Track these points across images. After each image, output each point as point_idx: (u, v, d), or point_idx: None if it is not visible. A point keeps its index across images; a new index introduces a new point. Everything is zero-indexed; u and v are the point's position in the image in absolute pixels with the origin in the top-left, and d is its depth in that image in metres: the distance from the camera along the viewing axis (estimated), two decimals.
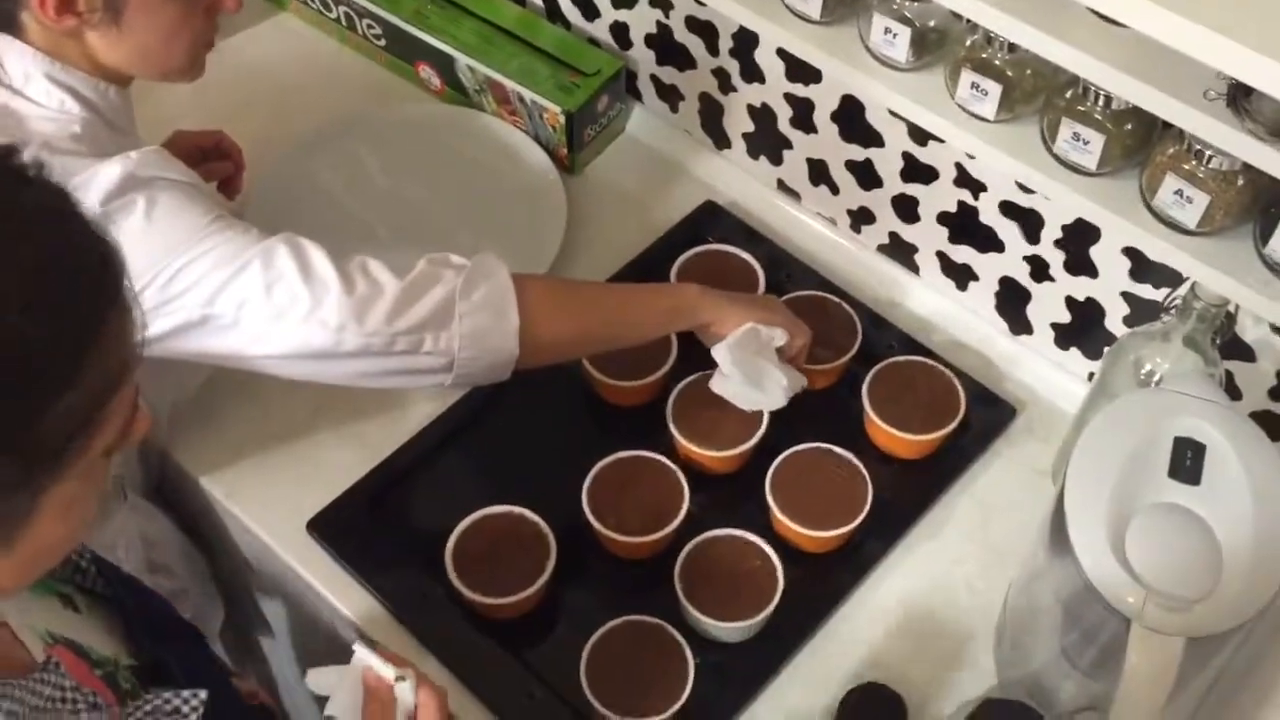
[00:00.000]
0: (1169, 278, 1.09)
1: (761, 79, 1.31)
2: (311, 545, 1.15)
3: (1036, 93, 1.00)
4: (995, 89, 0.99)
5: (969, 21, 0.98)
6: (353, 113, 1.46)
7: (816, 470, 1.14)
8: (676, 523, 1.11)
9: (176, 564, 1.27)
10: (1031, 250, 1.20)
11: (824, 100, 1.27)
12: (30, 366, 0.58)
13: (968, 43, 1.00)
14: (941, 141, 1.18)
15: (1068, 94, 0.97)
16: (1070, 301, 1.20)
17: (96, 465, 0.64)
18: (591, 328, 1.10)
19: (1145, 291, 1.13)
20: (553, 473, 1.14)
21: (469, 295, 1.00)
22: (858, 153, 1.28)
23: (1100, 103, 0.95)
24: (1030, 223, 1.18)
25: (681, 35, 1.35)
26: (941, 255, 1.29)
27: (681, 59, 1.38)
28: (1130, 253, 1.12)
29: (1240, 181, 0.91)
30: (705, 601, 1.07)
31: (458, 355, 1.01)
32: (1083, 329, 1.21)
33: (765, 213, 1.39)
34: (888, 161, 1.26)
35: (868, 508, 1.12)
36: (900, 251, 1.32)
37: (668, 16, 1.35)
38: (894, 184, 1.27)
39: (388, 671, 0.84)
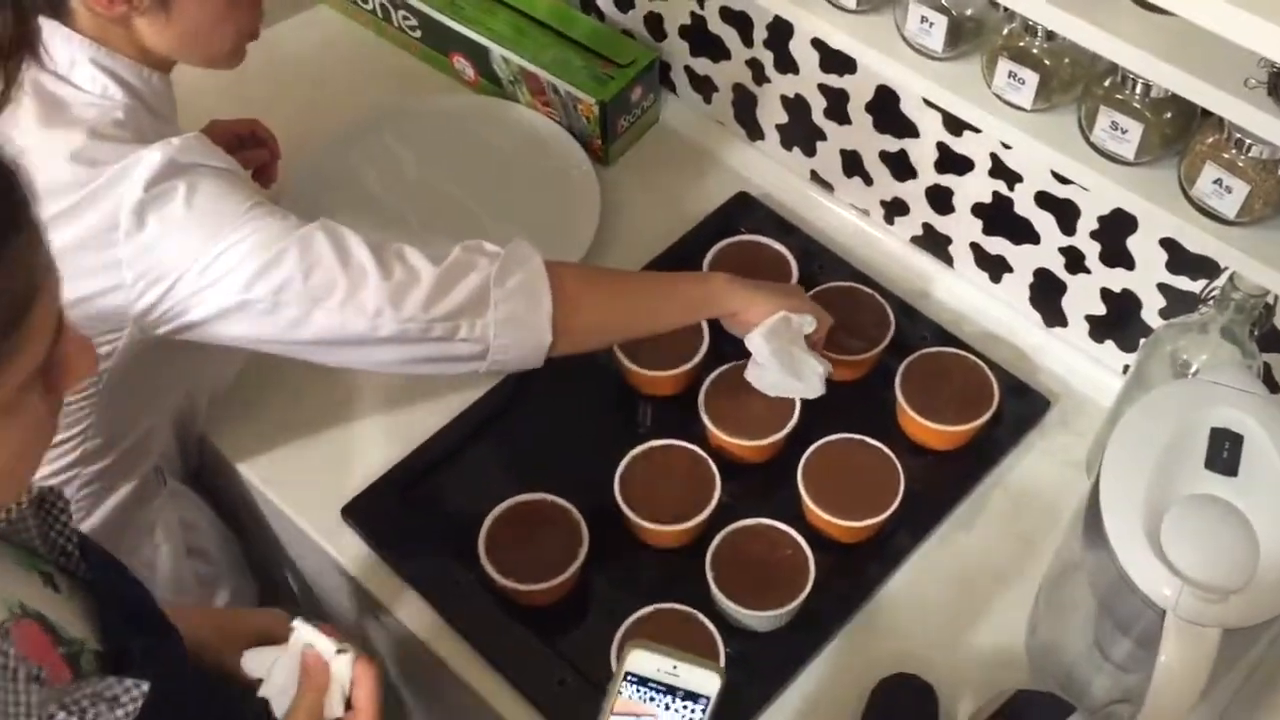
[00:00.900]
0: (1207, 269, 1.09)
1: (796, 70, 1.31)
2: (346, 531, 1.16)
3: (1074, 81, 0.99)
4: (1033, 78, 0.98)
5: (1006, 10, 0.98)
6: (387, 103, 1.47)
7: (848, 460, 1.14)
8: (708, 511, 1.11)
9: (213, 549, 1.28)
10: (1067, 241, 1.19)
11: (859, 91, 1.26)
12: None
13: (1005, 31, 1.00)
14: (977, 132, 1.17)
15: (1106, 82, 0.96)
16: (1106, 293, 1.20)
17: (23, 400, 0.62)
18: (623, 315, 1.10)
19: (1182, 283, 1.12)
20: (585, 461, 1.15)
21: (504, 282, 1.01)
22: (892, 144, 1.27)
23: (1139, 91, 0.94)
24: (1066, 214, 1.17)
25: (716, 26, 1.35)
26: (975, 247, 1.28)
27: (715, 50, 1.38)
28: (1167, 244, 1.11)
29: None
30: (737, 590, 1.07)
31: (493, 342, 1.01)
32: (1118, 321, 1.21)
33: (798, 204, 1.38)
34: (922, 152, 1.25)
35: (900, 498, 1.11)
36: (934, 243, 1.32)
37: (702, 7, 1.35)
38: (928, 175, 1.26)
39: (328, 646, 0.84)
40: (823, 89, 1.30)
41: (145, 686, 0.69)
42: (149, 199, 0.95)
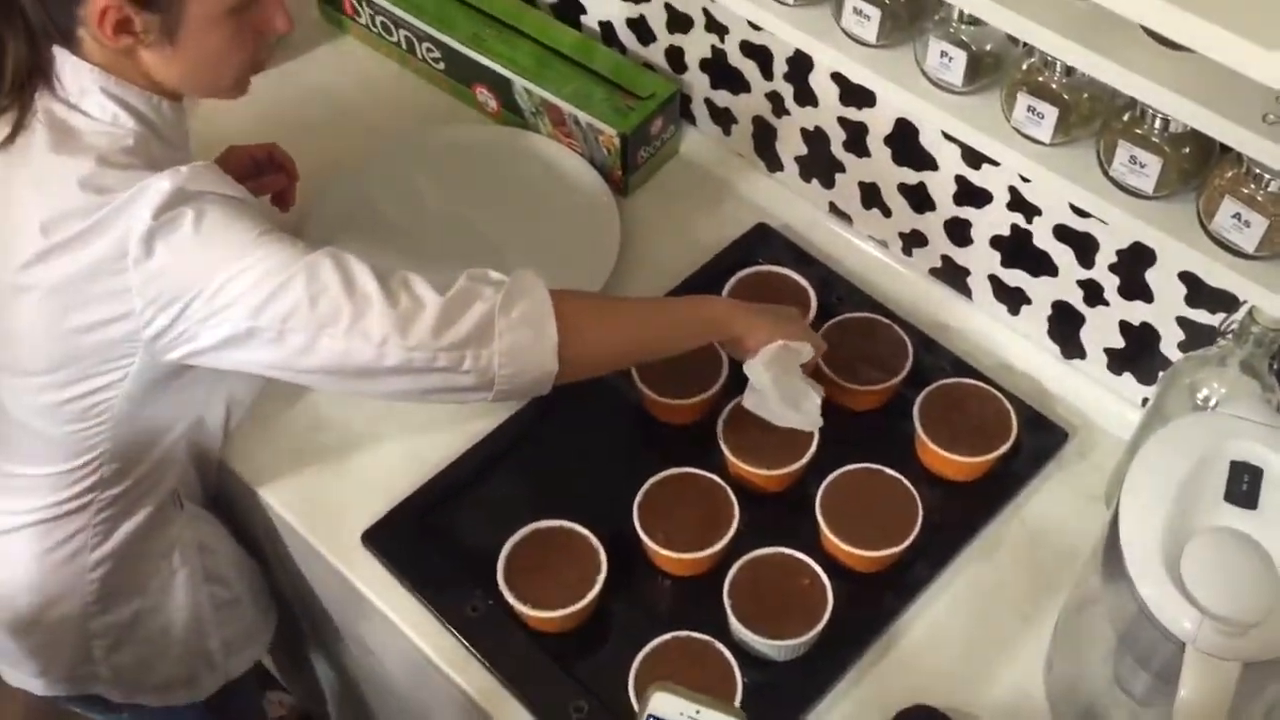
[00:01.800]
0: (1226, 302, 1.09)
1: (815, 103, 1.32)
2: (366, 557, 1.16)
3: (1093, 116, 1.00)
4: (1052, 112, 0.99)
5: (1025, 45, 0.99)
6: (410, 133, 1.49)
7: (866, 490, 1.14)
8: (726, 539, 1.11)
9: (231, 574, 1.29)
10: (1086, 274, 1.19)
11: (878, 124, 1.27)
12: None
13: (1024, 66, 1.01)
14: (995, 165, 1.18)
15: (1125, 117, 0.97)
16: (1125, 326, 1.20)
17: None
18: (628, 341, 1.11)
19: (1201, 316, 1.13)
20: (604, 488, 1.15)
21: (508, 312, 1.01)
22: (910, 176, 1.28)
23: (1158, 126, 0.95)
24: (1085, 247, 1.18)
25: (736, 59, 1.37)
26: (994, 279, 1.29)
27: (735, 83, 1.39)
28: (1186, 277, 1.11)
29: None
30: (754, 619, 1.07)
31: (497, 373, 1.01)
32: (1137, 354, 1.21)
33: (817, 235, 1.39)
34: (941, 185, 1.26)
35: (918, 529, 1.12)
36: (952, 275, 1.33)
37: (723, 41, 1.36)
38: (947, 207, 1.27)
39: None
40: (842, 122, 1.31)
41: None
42: (157, 226, 0.96)
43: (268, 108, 1.46)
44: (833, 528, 1.12)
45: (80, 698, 1.29)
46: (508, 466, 1.21)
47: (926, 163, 1.26)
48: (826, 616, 1.07)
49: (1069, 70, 0.98)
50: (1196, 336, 1.14)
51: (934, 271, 1.34)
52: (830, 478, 1.15)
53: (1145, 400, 1.20)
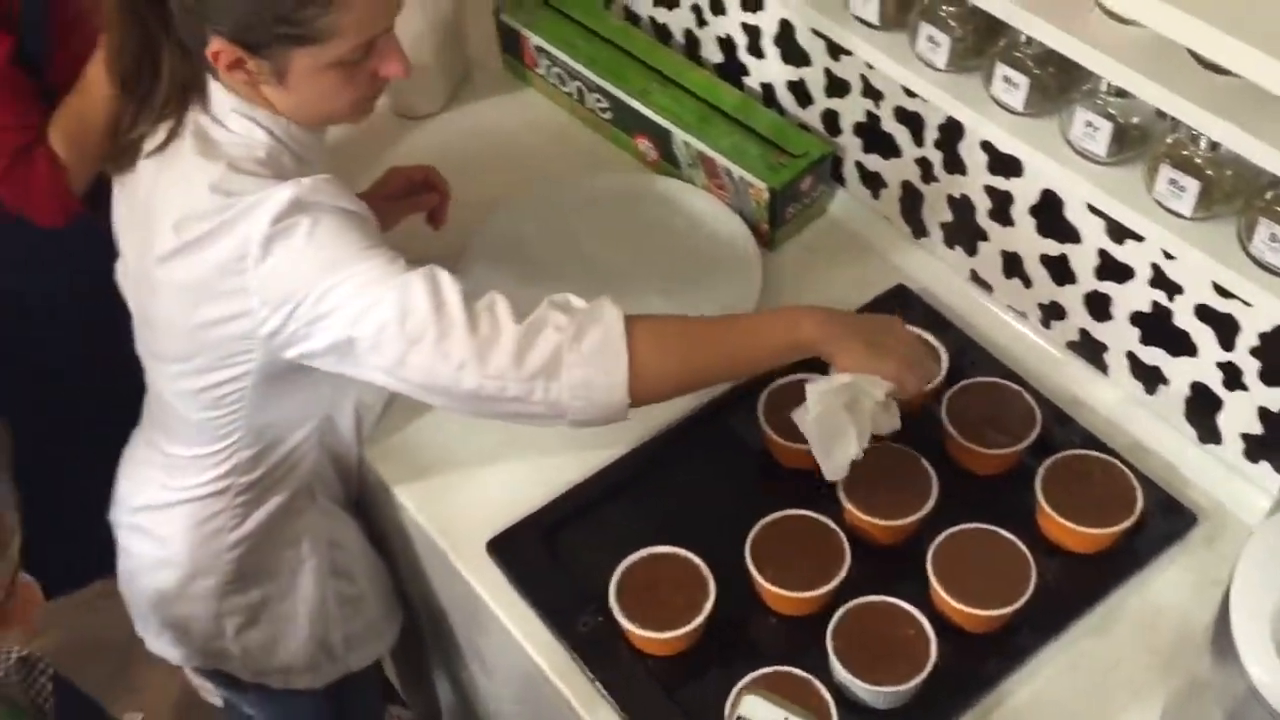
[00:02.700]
0: None
1: (963, 170, 1.35)
2: (489, 565, 1.22)
3: (1236, 193, 1.01)
4: (1194, 185, 1.00)
5: (1171, 119, 1.00)
6: (571, 176, 1.57)
7: (980, 550, 1.15)
8: (835, 583, 1.13)
9: (358, 572, 1.36)
10: (1226, 357, 1.18)
11: (1023, 194, 1.29)
12: None
13: (1169, 140, 1.02)
14: (1139, 240, 1.18)
15: (1268, 194, 0.97)
16: (1264, 413, 1.18)
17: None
18: (709, 368, 1.09)
19: None
20: (720, 522, 1.18)
21: (579, 345, 1.03)
22: (1053, 247, 1.29)
23: None
24: (1226, 328, 1.16)
25: (889, 125, 1.41)
26: (1132, 356, 1.28)
27: (887, 147, 1.43)
28: None
29: None
30: (856, 663, 1.08)
31: (569, 404, 1.05)
32: (1276, 442, 1.18)
33: (956, 302, 1.41)
34: (1083, 258, 1.27)
35: (1029, 593, 1.11)
36: (1090, 349, 1.32)
37: (878, 106, 1.40)
38: (1088, 281, 1.28)
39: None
40: (989, 190, 1.33)
41: None
42: (275, 232, 1.04)
43: (447, 140, 1.61)
44: (943, 583, 1.12)
45: (211, 672, 1.38)
46: (630, 493, 1.26)
47: (1070, 235, 1.27)
48: (929, 668, 1.07)
49: (1213, 145, 0.99)
50: None
51: (1071, 345, 1.34)
52: (945, 534, 1.15)
53: None
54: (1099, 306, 1.28)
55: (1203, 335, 1.19)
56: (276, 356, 1.11)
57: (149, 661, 1.42)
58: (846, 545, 1.15)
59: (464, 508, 1.27)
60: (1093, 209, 1.21)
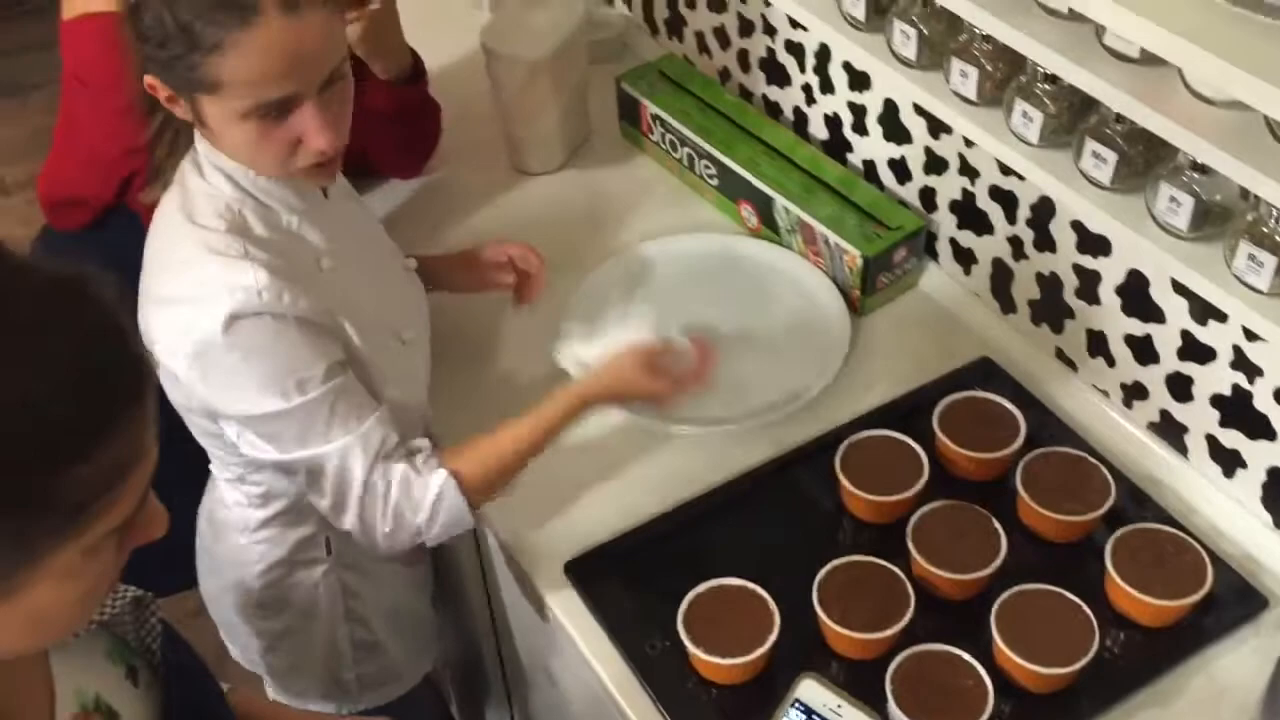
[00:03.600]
0: None
1: (1053, 248, 1.39)
2: (564, 585, 1.27)
3: None
4: (1271, 261, 1.03)
5: (1253, 197, 1.04)
6: (674, 236, 1.65)
7: (1045, 610, 1.16)
8: (897, 628, 1.16)
9: (378, 620, 1.40)
10: None
11: (1110, 273, 1.33)
12: (52, 435, 0.66)
13: (1249, 217, 1.05)
14: (1222, 321, 1.21)
15: None
16: None
17: (103, 547, 0.71)
18: (519, 467, 1.24)
19: None
20: (790, 562, 1.23)
21: (432, 528, 1.19)
22: (1138, 327, 1.32)
23: None
24: None
25: (984, 202, 1.46)
26: (1211, 439, 1.29)
27: (980, 224, 1.48)
28: None
29: None
30: (913, 709, 1.10)
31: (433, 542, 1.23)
32: None
33: (1040, 378, 1.44)
34: (1167, 338, 1.29)
35: (1091, 654, 1.12)
36: (1170, 430, 1.34)
37: (973, 184, 1.46)
38: (1170, 361, 1.30)
39: None
40: (1077, 269, 1.37)
41: None
42: (215, 339, 1.08)
43: (561, 202, 1.72)
44: (1005, 638, 1.14)
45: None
46: (707, 527, 1.31)
47: (1154, 315, 1.30)
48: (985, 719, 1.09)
49: None
50: None
51: (1152, 426, 1.36)
52: (1011, 590, 1.17)
53: None
54: (1181, 388, 1.30)
55: None
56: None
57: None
58: (912, 594, 1.18)
59: (544, 532, 1.32)
60: (1177, 288, 1.24)
